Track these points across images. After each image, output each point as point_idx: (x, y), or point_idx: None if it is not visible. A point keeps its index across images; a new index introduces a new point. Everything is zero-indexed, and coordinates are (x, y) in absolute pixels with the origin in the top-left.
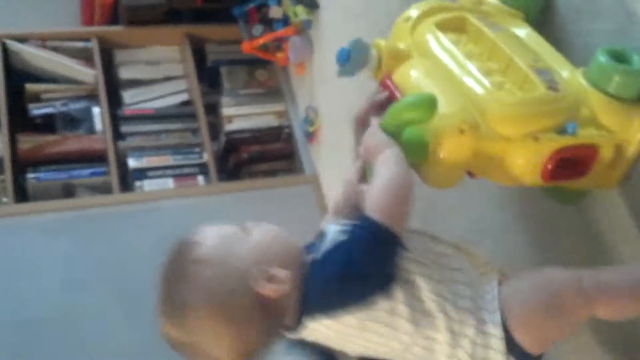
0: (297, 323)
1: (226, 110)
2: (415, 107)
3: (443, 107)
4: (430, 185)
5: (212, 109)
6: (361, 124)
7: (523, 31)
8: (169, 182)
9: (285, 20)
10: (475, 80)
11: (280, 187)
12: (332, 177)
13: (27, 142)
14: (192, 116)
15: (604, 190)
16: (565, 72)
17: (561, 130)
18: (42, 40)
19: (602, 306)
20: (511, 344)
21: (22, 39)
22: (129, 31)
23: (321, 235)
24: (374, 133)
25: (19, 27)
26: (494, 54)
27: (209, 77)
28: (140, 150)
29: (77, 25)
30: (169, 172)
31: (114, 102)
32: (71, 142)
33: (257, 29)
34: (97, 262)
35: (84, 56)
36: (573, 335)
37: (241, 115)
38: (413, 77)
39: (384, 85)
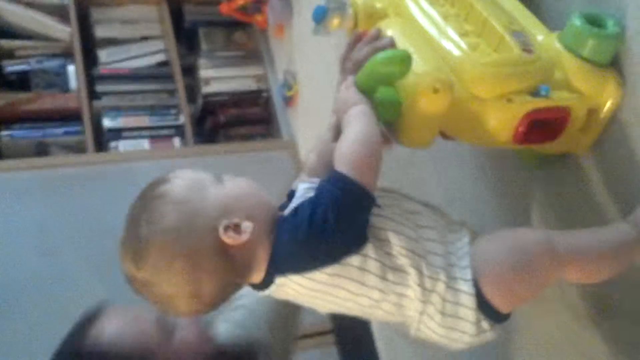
0: (266, 280)
1: (204, 73)
2: (390, 62)
3: (417, 66)
4: (404, 144)
5: (190, 71)
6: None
7: None
8: (145, 143)
9: None
10: (450, 41)
11: (257, 151)
12: (310, 142)
13: (1, 99)
14: (169, 77)
15: (577, 155)
16: (540, 35)
17: (534, 93)
18: None
19: (572, 269)
20: (481, 301)
21: None
22: None
23: (291, 194)
24: (348, 88)
25: None
26: (470, 16)
27: (186, 38)
28: (116, 110)
29: None
30: (145, 133)
31: (90, 60)
32: (45, 100)
33: None
34: (71, 223)
35: (60, 13)
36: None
37: (219, 77)
38: (389, 34)
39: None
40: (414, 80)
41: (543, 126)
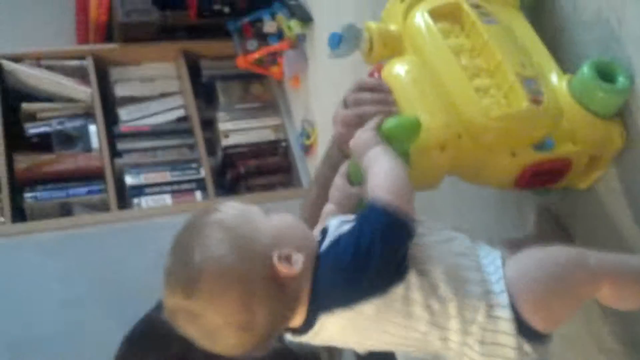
0: (308, 320)
1: (222, 125)
2: (403, 129)
3: (428, 120)
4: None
5: (209, 125)
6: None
7: (516, 23)
8: (167, 199)
9: (279, 35)
10: (461, 86)
11: (278, 201)
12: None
13: (24, 161)
14: (189, 132)
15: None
16: (553, 76)
17: (539, 146)
18: (37, 60)
19: (606, 285)
20: (521, 325)
21: (17, 59)
22: (123, 48)
23: (324, 230)
24: (367, 130)
25: (14, 47)
26: (485, 53)
27: (204, 92)
28: (137, 167)
29: (73, 43)
30: (167, 188)
31: (110, 119)
32: (68, 161)
33: (252, 43)
34: (95, 280)
35: (80, 74)
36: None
37: (237, 129)
38: (401, 79)
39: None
40: (423, 137)
41: (545, 174)
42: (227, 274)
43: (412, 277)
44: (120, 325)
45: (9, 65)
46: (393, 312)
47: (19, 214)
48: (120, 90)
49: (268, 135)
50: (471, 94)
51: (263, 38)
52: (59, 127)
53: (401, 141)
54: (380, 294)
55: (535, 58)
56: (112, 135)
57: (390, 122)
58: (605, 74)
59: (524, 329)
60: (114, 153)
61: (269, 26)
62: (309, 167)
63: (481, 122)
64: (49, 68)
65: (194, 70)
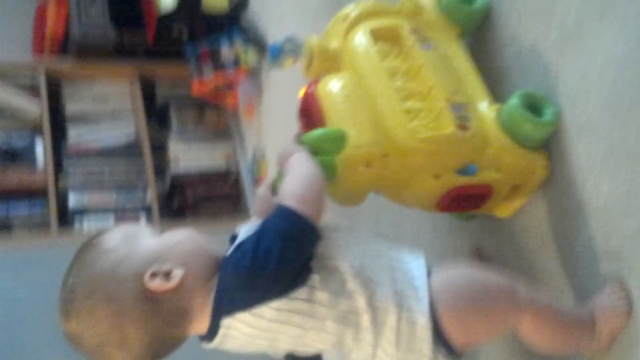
0: (212, 326)
1: (174, 150)
2: (327, 140)
3: (356, 137)
4: (336, 203)
5: (160, 149)
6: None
7: (453, 50)
8: (110, 222)
9: (236, 62)
10: (392, 107)
11: (224, 231)
12: None
13: None
14: (138, 155)
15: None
16: (483, 104)
17: (462, 171)
18: None
19: (528, 320)
20: (438, 335)
21: None
22: (77, 64)
23: (232, 238)
24: (291, 143)
25: None
26: (419, 77)
27: (157, 116)
28: (82, 188)
29: (28, 52)
30: (110, 211)
31: (59, 136)
32: (11, 176)
33: (208, 69)
34: (35, 301)
35: (31, 88)
36: None
37: (189, 156)
38: (334, 96)
39: (305, 97)
40: (350, 153)
41: (466, 198)
42: (95, 293)
43: (316, 281)
44: (60, 347)
45: None
46: (297, 315)
47: None
48: (71, 107)
49: (219, 164)
50: (401, 115)
51: (220, 65)
52: (4, 142)
53: (326, 152)
54: (280, 297)
55: (468, 85)
56: (59, 153)
57: (315, 133)
58: (533, 106)
59: (441, 340)
60: (60, 171)
61: (226, 53)
62: None
63: (408, 143)
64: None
65: (149, 93)
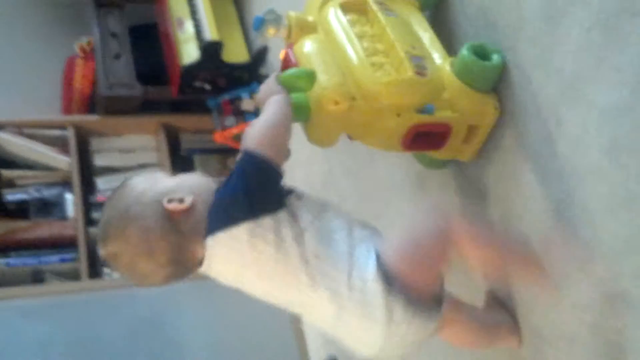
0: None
1: None
2: (298, 77)
3: (325, 80)
4: (311, 142)
5: None
6: None
7: (414, 18)
8: None
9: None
10: (359, 59)
11: None
12: None
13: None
14: None
15: (463, 160)
16: (438, 58)
17: (421, 110)
18: (19, 128)
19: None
20: (386, 277)
21: None
22: (105, 120)
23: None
24: (270, 82)
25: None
26: (382, 37)
27: (182, 165)
28: None
29: (57, 113)
30: None
31: (88, 188)
32: (43, 228)
33: (230, 120)
34: (67, 349)
35: (60, 143)
36: None
37: None
38: (307, 52)
39: (285, 54)
40: (320, 93)
41: (428, 137)
42: (125, 217)
43: (283, 215)
44: None
45: None
46: (267, 245)
47: None
48: (99, 160)
49: None
50: (367, 66)
51: (241, 115)
52: (36, 195)
53: (298, 88)
54: (248, 220)
55: (425, 43)
56: (88, 204)
57: (288, 72)
58: (481, 54)
59: (390, 281)
60: (89, 222)
61: (247, 104)
62: None
63: (373, 87)
64: (31, 136)
65: (174, 143)
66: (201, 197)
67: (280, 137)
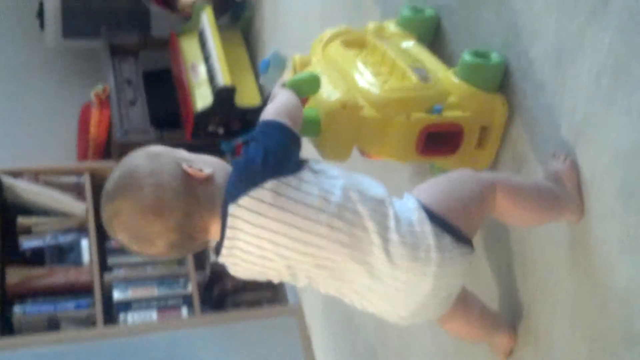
0: (223, 216)
1: (213, 240)
2: (303, 81)
3: (332, 91)
4: (325, 158)
5: None
6: None
7: (411, 44)
8: (153, 314)
9: None
10: (364, 78)
11: (263, 318)
12: (315, 306)
13: (16, 275)
14: None
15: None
16: (439, 72)
17: (430, 111)
18: (36, 175)
19: (503, 194)
20: (434, 220)
21: (16, 174)
22: None
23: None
24: (275, 90)
25: (15, 161)
26: (384, 61)
27: None
28: (126, 282)
29: (73, 160)
30: (153, 303)
31: (103, 233)
32: (59, 275)
33: None
34: None
35: (76, 190)
36: None
37: None
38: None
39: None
40: (328, 100)
41: (441, 140)
42: (138, 174)
43: (306, 174)
44: None
45: (8, 179)
46: (289, 200)
47: (7, 327)
48: None
49: None
50: (373, 79)
51: None
52: (52, 241)
53: (303, 92)
54: (272, 179)
55: (425, 61)
56: (104, 249)
57: (294, 76)
58: (481, 56)
59: (440, 224)
60: (104, 267)
61: None
62: None
63: (379, 93)
64: (47, 183)
65: None
66: (218, 173)
67: (294, 113)
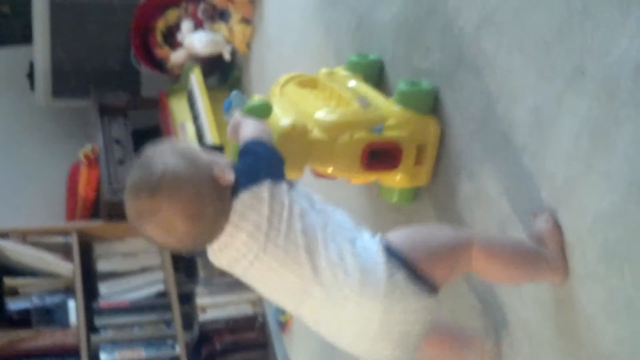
0: (226, 214)
1: (200, 300)
2: (258, 106)
3: (283, 119)
4: None
5: (187, 298)
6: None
7: (355, 83)
8: None
9: None
10: (314, 109)
11: None
12: None
13: (2, 338)
14: (167, 307)
15: (421, 186)
16: (380, 100)
17: (371, 131)
18: (23, 236)
19: (479, 249)
20: (392, 254)
21: (3, 235)
22: (108, 225)
23: None
24: (234, 118)
25: (2, 222)
26: (332, 95)
27: (185, 266)
28: (113, 344)
29: (61, 219)
30: None
31: (91, 294)
32: (45, 337)
33: None
34: None
35: (64, 250)
36: None
37: (215, 304)
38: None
39: None
40: (280, 127)
41: (383, 156)
42: (181, 176)
43: (289, 188)
44: None
45: None
46: (280, 204)
47: None
48: (102, 266)
49: (245, 310)
50: (322, 109)
51: None
52: (39, 303)
53: (257, 116)
54: (269, 179)
55: (368, 93)
56: (91, 310)
57: (249, 104)
58: (414, 84)
59: (393, 253)
60: (92, 328)
61: None
62: (285, 343)
63: (325, 119)
64: (35, 244)
65: None
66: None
67: (266, 131)
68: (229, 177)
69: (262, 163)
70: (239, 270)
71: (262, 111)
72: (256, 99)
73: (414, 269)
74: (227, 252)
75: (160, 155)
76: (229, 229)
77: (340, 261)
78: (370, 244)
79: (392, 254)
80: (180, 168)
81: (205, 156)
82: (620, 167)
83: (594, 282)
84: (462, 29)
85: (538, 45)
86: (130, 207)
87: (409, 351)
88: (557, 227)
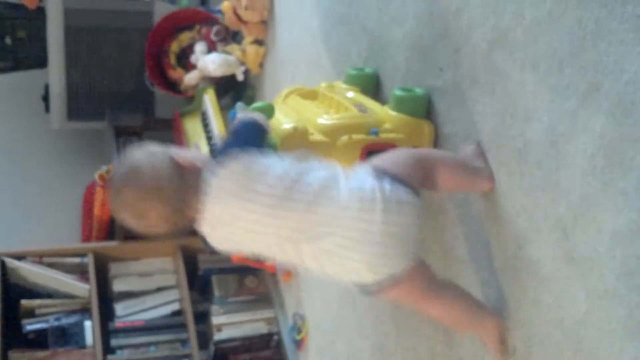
0: (203, 189)
1: (216, 319)
2: (261, 107)
3: (285, 123)
4: None
5: (203, 317)
6: None
7: (353, 93)
8: None
9: None
10: (315, 115)
11: None
12: None
13: (18, 358)
14: (182, 326)
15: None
16: (376, 107)
17: (368, 133)
18: (39, 257)
19: (444, 169)
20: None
21: (20, 257)
22: (124, 245)
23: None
24: (238, 117)
25: (19, 244)
26: (331, 103)
27: (200, 285)
28: None
29: (76, 240)
30: None
31: (107, 314)
32: (61, 358)
33: None
34: None
35: (80, 271)
36: None
37: (230, 323)
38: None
39: None
40: (282, 127)
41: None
42: (140, 165)
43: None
44: None
45: (12, 262)
46: (259, 173)
47: None
48: (118, 286)
49: (261, 328)
50: (323, 116)
51: None
52: (55, 323)
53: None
54: (242, 152)
55: (366, 103)
56: (107, 330)
57: (253, 104)
58: (408, 91)
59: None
60: (108, 349)
61: None
62: None
63: (326, 124)
64: (51, 265)
65: (191, 264)
66: (201, 162)
67: (261, 118)
68: (186, 157)
69: (238, 140)
70: (234, 238)
71: (265, 111)
72: (259, 103)
73: (395, 177)
74: (220, 229)
75: (130, 154)
76: (211, 206)
77: (332, 187)
78: (357, 170)
79: (377, 170)
80: (139, 158)
81: (170, 150)
82: (636, 184)
83: (613, 299)
84: (475, 47)
85: (551, 63)
86: (111, 204)
87: (407, 260)
88: (479, 147)
